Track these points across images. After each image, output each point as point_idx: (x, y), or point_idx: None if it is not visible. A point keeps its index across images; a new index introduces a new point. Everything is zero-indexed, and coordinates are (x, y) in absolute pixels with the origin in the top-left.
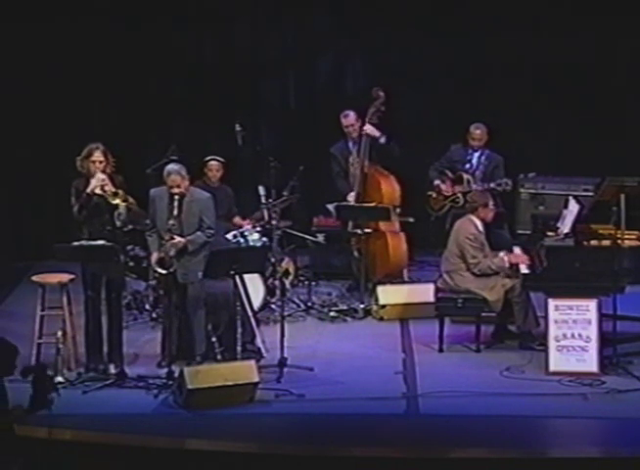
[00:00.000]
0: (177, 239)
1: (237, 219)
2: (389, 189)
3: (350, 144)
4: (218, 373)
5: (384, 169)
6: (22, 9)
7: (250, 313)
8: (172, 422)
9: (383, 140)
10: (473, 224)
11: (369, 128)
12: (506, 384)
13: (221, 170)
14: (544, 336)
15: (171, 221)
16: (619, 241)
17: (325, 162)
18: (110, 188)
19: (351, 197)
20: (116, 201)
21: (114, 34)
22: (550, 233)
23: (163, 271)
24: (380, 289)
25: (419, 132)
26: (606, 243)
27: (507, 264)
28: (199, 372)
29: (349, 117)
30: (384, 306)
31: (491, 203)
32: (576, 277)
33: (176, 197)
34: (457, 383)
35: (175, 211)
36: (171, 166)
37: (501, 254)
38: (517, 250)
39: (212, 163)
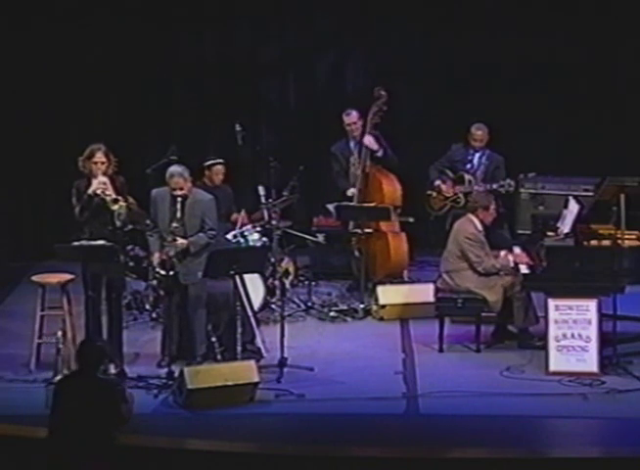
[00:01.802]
0: (179, 241)
1: (234, 216)
2: (391, 189)
3: (352, 144)
4: (218, 373)
5: (385, 169)
6: (22, 9)
7: (250, 313)
8: (172, 422)
9: (380, 154)
10: (472, 224)
11: (368, 140)
12: (506, 384)
13: (224, 172)
14: (544, 335)
15: (174, 224)
16: (619, 241)
17: (325, 161)
18: (110, 193)
19: (350, 192)
20: (115, 207)
21: (115, 34)
22: (550, 233)
23: (165, 273)
24: (380, 289)
25: (419, 132)
26: (606, 243)
27: (512, 263)
28: (199, 372)
29: (352, 116)
30: (384, 306)
31: (493, 206)
32: (576, 277)
33: (179, 199)
34: (457, 383)
35: (178, 214)
36: (174, 168)
37: (502, 252)
38: (517, 250)
39: (218, 166)
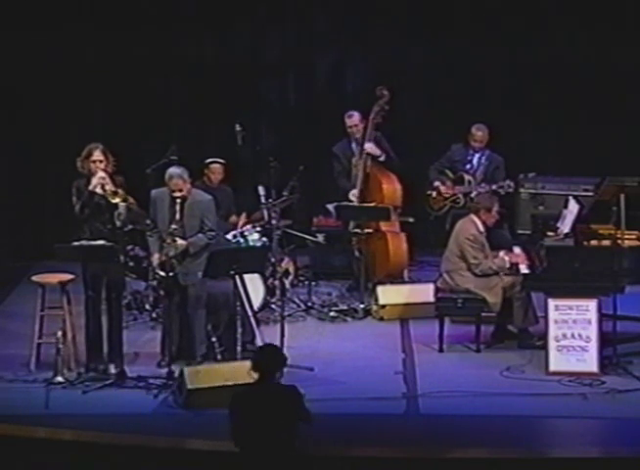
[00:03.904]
0: (179, 242)
1: (233, 218)
2: (391, 189)
3: (354, 144)
4: (218, 373)
5: (386, 169)
6: (22, 8)
7: (250, 313)
8: (172, 422)
9: (382, 159)
10: (474, 225)
11: (370, 147)
12: (506, 384)
13: (222, 173)
14: (544, 335)
15: (174, 226)
16: (619, 241)
17: (325, 161)
18: (110, 187)
19: (353, 195)
20: (116, 200)
21: (115, 34)
22: (550, 233)
23: (164, 274)
24: (380, 289)
25: (419, 132)
26: (606, 243)
27: (508, 264)
28: (199, 372)
29: (354, 118)
30: (384, 306)
31: (496, 208)
32: (576, 277)
33: (178, 200)
34: (457, 383)
35: (177, 215)
36: (173, 170)
37: (501, 253)
38: (517, 250)
39: (215, 165)
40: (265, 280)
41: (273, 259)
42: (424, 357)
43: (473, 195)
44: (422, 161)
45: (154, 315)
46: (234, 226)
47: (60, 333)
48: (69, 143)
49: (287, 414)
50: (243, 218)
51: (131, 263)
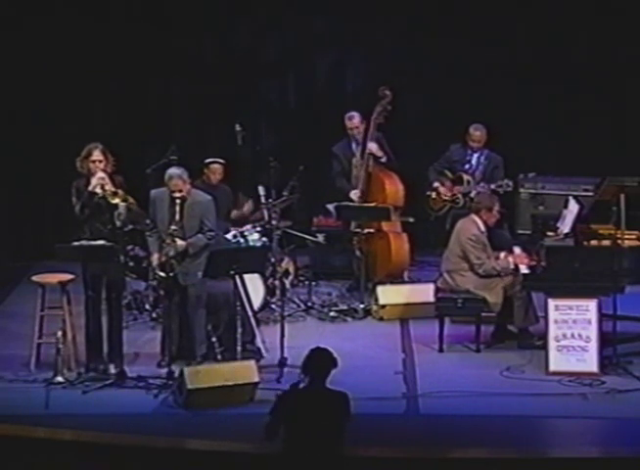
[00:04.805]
0: (179, 242)
1: (233, 213)
2: (394, 189)
3: (354, 145)
4: (218, 373)
5: (388, 169)
6: (22, 7)
7: (249, 313)
8: (172, 422)
9: (383, 160)
10: (475, 225)
11: (373, 147)
12: (506, 384)
13: (222, 173)
14: (544, 335)
15: (173, 227)
16: (619, 241)
17: (325, 161)
18: (109, 187)
19: (354, 194)
20: (116, 200)
21: (115, 34)
22: (550, 233)
23: (164, 275)
24: (380, 289)
25: (419, 132)
26: (606, 243)
27: (512, 265)
28: (199, 372)
29: (354, 120)
30: (384, 306)
31: (497, 208)
32: (576, 277)
33: (178, 201)
34: (457, 383)
35: (177, 216)
36: (173, 171)
37: (502, 254)
38: (517, 250)
39: (215, 165)
40: (265, 280)
41: (273, 259)
42: (424, 357)
43: (472, 195)
44: (422, 161)
45: (154, 315)
46: (239, 218)
47: (60, 333)
48: (69, 143)
49: (334, 419)
50: (249, 205)
51: (131, 263)
